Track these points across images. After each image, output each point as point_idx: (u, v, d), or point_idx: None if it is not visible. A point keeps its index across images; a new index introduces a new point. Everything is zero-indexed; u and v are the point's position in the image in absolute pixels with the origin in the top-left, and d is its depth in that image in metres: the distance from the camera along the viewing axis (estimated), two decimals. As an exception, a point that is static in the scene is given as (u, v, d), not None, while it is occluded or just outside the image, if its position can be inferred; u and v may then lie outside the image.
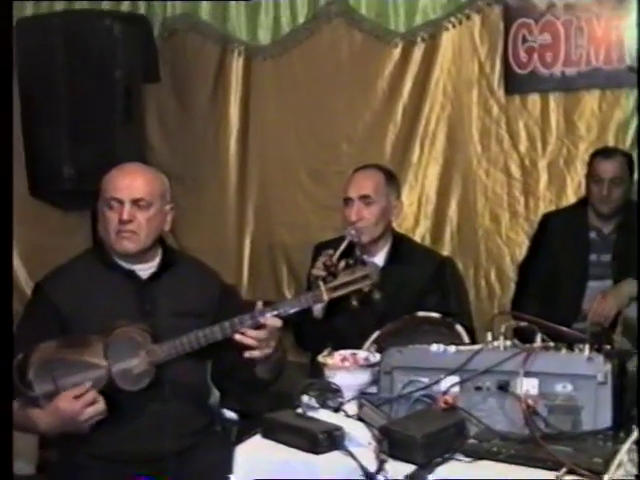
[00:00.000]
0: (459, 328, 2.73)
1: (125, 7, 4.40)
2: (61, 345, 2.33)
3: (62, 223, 4.50)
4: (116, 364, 2.31)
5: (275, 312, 2.33)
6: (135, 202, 2.44)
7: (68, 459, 2.48)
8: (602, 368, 1.94)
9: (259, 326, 2.31)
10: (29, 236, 4.49)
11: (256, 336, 2.31)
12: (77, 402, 2.24)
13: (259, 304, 2.36)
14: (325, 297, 2.38)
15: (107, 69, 3.87)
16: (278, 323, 2.33)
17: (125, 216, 2.42)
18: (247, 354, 2.33)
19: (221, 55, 4.39)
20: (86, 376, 2.29)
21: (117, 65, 3.89)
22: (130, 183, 2.47)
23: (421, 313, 2.80)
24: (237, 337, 2.32)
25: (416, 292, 3.00)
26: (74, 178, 3.87)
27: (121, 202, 2.44)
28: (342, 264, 2.67)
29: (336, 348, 2.50)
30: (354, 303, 2.49)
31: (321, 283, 2.40)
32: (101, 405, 2.27)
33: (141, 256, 2.50)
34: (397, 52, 4.15)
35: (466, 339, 2.69)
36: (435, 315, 2.78)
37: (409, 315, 2.79)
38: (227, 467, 2.06)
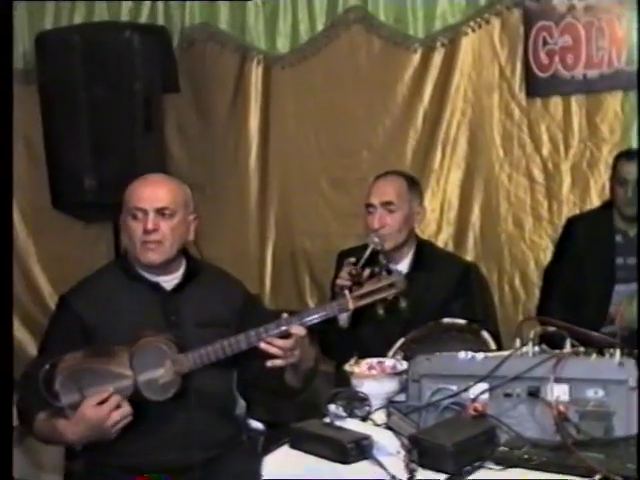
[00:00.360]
0: (485, 334, 2.71)
1: (144, 18, 4.40)
2: (87, 355, 2.32)
3: (84, 235, 4.51)
4: (142, 374, 2.30)
5: (301, 321, 2.32)
6: (159, 211, 2.44)
7: (94, 470, 2.47)
8: (634, 373, 1.91)
9: (285, 335, 2.31)
10: (51, 247, 4.53)
11: (282, 345, 2.30)
12: (102, 408, 2.23)
13: (284, 314, 2.35)
14: (351, 306, 2.37)
15: (126, 80, 3.87)
16: (302, 332, 2.32)
17: (150, 225, 2.41)
18: (269, 363, 2.33)
19: (240, 64, 4.37)
20: (112, 386, 2.28)
21: (136, 76, 3.89)
22: (153, 193, 2.46)
23: (446, 320, 2.78)
24: (263, 346, 2.31)
25: (441, 298, 2.97)
26: (95, 190, 3.89)
27: (145, 212, 2.43)
28: (367, 272, 2.66)
29: (362, 356, 2.49)
30: (380, 312, 2.48)
31: (347, 292, 2.39)
32: (127, 408, 2.26)
33: (165, 267, 2.50)
34: (416, 58, 4.12)
35: (493, 345, 2.67)
36: (460, 321, 2.77)
37: (434, 322, 2.77)
38: (254, 478, 2.04)
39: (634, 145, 3.75)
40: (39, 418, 2.33)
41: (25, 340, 4.44)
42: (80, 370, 2.28)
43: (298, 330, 2.32)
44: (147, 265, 2.47)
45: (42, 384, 2.26)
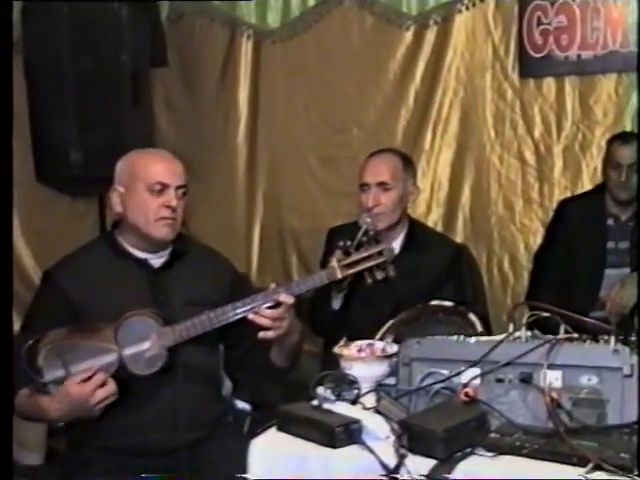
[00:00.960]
0: (472, 317, 2.68)
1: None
2: (71, 331, 2.28)
3: (69, 209, 4.45)
4: (127, 347, 2.26)
5: (289, 291, 2.29)
6: (178, 188, 2.43)
7: (78, 451, 2.44)
8: (628, 360, 1.88)
9: (273, 305, 2.27)
10: (35, 222, 4.45)
11: (270, 315, 2.27)
12: (86, 385, 2.19)
13: (272, 284, 2.32)
14: (339, 274, 2.35)
15: (114, 53, 3.80)
16: (290, 300, 2.29)
17: (174, 203, 2.40)
18: (262, 334, 2.29)
19: (230, 39, 4.32)
20: (97, 361, 2.24)
21: (124, 49, 3.82)
22: (173, 169, 2.45)
23: (434, 302, 2.75)
24: (251, 317, 2.27)
25: (432, 280, 2.95)
26: (81, 164, 3.82)
27: (168, 187, 2.40)
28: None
29: (351, 336, 2.45)
30: (369, 280, 2.43)
31: (334, 261, 2.35)
32: (112, 386, 2.22)
33: (157, 245, 2.46)
34: (409, 35, 4.08)
35: (479, 328, 2.64)
36: (448, 304, 2.73)
37: (422, 304, 2.74)
38: (240, 459, 2.01)
39: (627, 128, 3.73)
40: (21, 394, 2.30)
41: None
42: (64, 345, 2.24)
43: (286, 298, 2.28)
44: (160, 240, 2.43)
45: (25, 359, 2.21)
